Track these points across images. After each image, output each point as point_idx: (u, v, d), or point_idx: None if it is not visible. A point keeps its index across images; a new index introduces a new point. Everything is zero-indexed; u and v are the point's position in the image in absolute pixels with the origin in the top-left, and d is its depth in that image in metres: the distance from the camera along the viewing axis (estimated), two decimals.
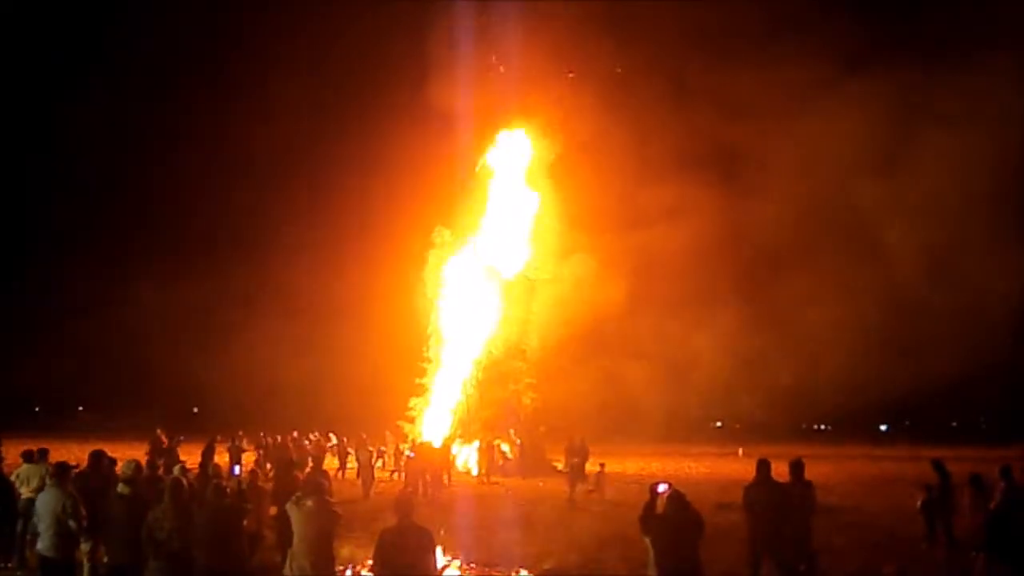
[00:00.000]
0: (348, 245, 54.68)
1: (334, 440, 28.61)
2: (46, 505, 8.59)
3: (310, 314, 60.18)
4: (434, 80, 33.86)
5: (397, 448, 26.87)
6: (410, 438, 29.04)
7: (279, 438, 25.99)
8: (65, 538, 8.47)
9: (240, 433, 24.36)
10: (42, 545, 8.57)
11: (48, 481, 9.35)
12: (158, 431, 22.19)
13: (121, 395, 64.49)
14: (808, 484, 10.53)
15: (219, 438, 22.99)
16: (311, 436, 27.85)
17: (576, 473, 23.73)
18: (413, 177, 38.23)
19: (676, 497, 7.52)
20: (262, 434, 26.27)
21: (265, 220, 74.18)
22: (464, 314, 34.18)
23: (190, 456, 18.85)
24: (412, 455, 23.40)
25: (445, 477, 24.49)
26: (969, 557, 11.44)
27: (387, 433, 27.34)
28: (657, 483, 7.75)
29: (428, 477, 23.90)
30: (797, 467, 10.37)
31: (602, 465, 23.39)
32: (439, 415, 33.41)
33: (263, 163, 70.45)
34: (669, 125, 34.62)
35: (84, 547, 9.64)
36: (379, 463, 26.64)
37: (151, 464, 12.69)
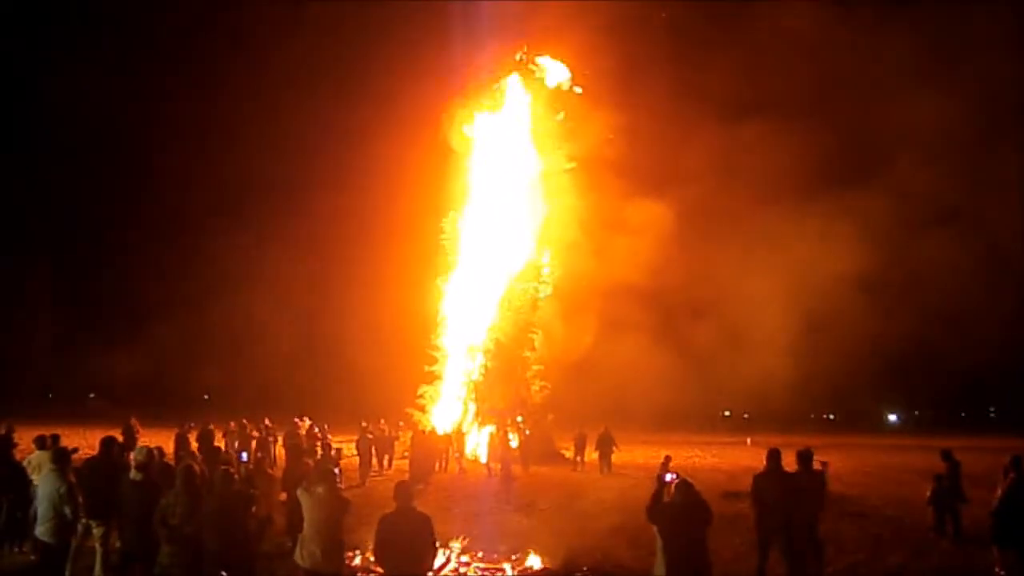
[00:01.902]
0: (354, 234, 54.72)
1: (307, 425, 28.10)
2: (44, 491, 8.62)
3: (319, 304, 60.42)
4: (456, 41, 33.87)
5: (389, 434, 26.55)
6: (420, 426, 29.08)
7: (246, 423, 25.28)
8: (61, 524, 8.49)
9: (191, 424, 23.36)
10: (39, 530, 8.59)
11: (46, 466, 9.38)
12: (132, 420, 22.12)
13: (132, 382, 64.84)
14: (817, 474, 10.54)
15: (190, 426, 22.31)
16: (297, 421, 27.24)
17: (606, 462, 24.79)
18: (425, 162, 37.93)
19: (684, 486, 7.53)
20: (245, 422, 25.49)
21: (271, 211, 74.20)
22: (473, 302, 34.26)
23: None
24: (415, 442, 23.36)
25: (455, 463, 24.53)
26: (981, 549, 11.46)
27: (382, 420, 27.22)
28: (665, 472, 7.77)
29: (436, 465, 23.94)
30: (805, 457, 10.37)
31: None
32: (448, 403, 33.55)
33: (265, 155, 70.38)
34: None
35: (96, 532, 9.73)
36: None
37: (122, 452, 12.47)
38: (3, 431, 15.46)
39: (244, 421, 25.20)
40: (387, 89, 57.57)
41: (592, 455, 27.05)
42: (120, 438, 14.33)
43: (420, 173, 37.82)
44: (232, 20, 60.41)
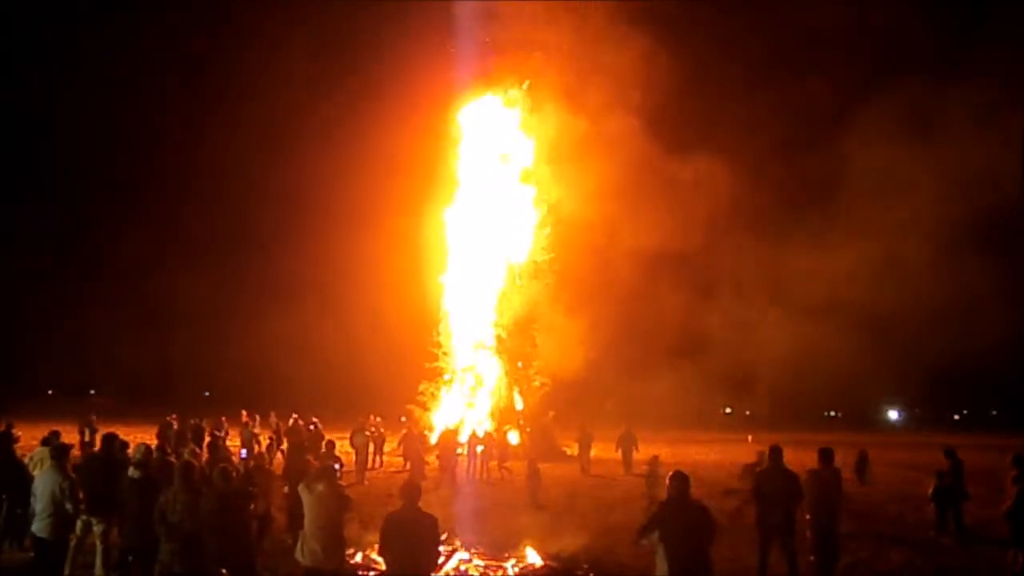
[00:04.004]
0: (356, 229, 54.68)
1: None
2: (44, 486, 8.59)
3: (321, 299, 60.42)
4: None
5: (378, 432, 26.43)
6: (421, 424, 29.06)
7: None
8: (61, 520, 8.48)
9: (175, 416, 23.21)
10: (37, 526, 8.57)
11: (47, 462, 9.36)
12: (91, 416, 22.09)
13: (133, 379, 64.94)
14: (837, 471, 10.54)
15: (172, 419, 22.04)
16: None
17: (628, 461, 24.61)
18: (426, 158, 37.84)
19: (677, 476, 7.29)
20: (224, 419, 25.20)
21: (272, 206, 74.27)
22: (472, 299, 34.22)
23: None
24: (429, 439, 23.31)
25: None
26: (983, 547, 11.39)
27: (372, 416, 27.20)
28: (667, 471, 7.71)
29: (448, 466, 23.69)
30: (828, 454, 10.40)
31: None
32: (451, 400, 33.53)
33: (266, 150, 70.29)
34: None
35: (97, 530, 9.71)
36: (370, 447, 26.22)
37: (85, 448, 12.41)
38: (2, 428, 15.44)
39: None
40: (386, 83, 57.57)
41: (602, 453, 26.94)
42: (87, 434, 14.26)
43: (421, 169, 37.80)
44: (227, 18, 60.31)
